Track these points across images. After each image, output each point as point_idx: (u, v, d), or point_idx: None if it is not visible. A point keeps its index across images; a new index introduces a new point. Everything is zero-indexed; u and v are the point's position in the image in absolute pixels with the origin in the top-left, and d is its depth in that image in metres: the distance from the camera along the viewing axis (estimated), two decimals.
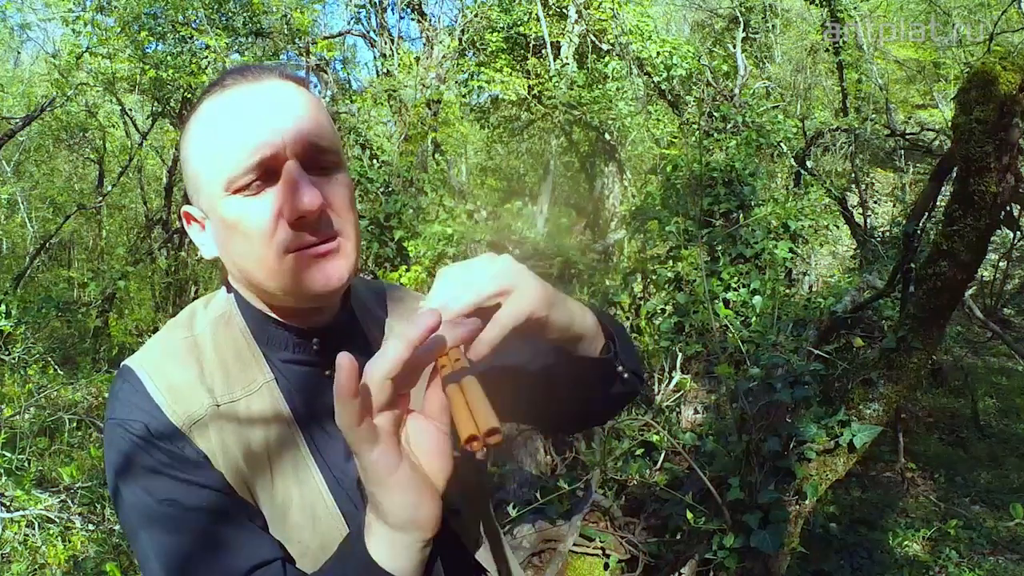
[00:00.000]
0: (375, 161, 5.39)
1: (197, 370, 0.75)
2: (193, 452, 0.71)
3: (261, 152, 0.68)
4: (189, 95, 6.64)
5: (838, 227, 6.30)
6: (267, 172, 0.69)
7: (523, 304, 0.66)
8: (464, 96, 9.37)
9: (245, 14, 6.61)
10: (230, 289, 0.80)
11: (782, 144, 5.97)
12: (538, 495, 2.80)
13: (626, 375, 0.81)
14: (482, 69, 8.91)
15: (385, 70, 7.96)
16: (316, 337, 0.78)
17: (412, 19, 9.03)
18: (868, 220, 6.02)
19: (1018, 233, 3.02)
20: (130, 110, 7.56)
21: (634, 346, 0.88)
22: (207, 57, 6.09)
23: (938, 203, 2.93)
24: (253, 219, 0.69)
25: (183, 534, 0.68)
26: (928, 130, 7.71)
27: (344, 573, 0.64)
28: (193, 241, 0.79)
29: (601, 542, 2.75)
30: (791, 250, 4.61)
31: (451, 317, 0.62)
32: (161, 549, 0.68)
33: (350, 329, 0.83)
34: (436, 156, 7.50)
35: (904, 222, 2.90)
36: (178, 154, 7.42)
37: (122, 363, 0.77)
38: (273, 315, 0.77)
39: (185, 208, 0.78)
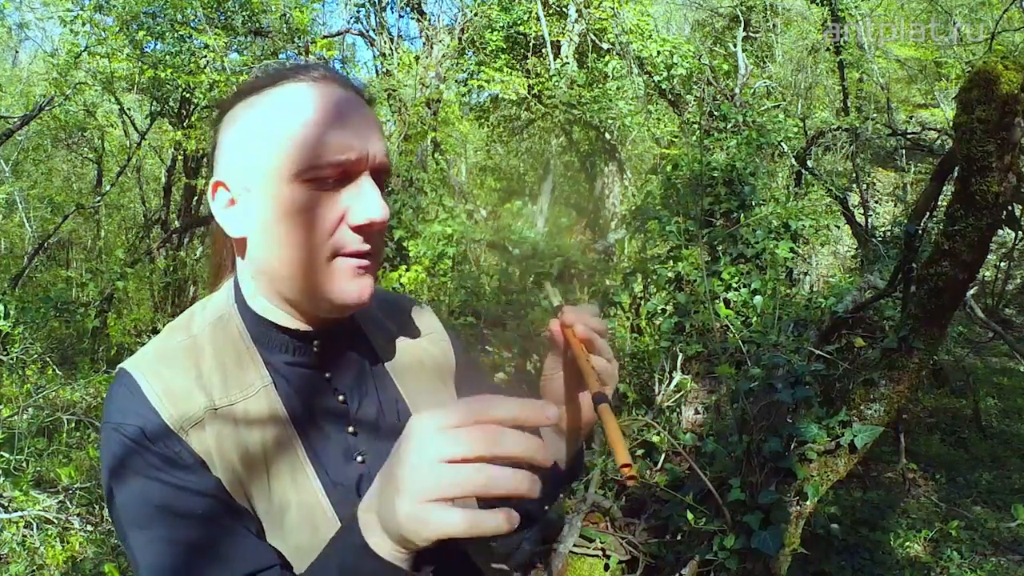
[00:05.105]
0: None
1: (195, 373, 0.74)
2: (189, 456, 0.70)
3: (349, 154, 0.70)
4: (187, 94, 6.63)
5: (839, 227, 6.29)
6: (344, 174, 0.71)
7: (612, 366, 0.79)
8: (464, 95, 9.36)
9: (244, 13, 6.60)
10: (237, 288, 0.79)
11: (783, 143, 5.96)
12: None
13: (547, 507, 0.90)
14: (482, 68, 8.91)
15: (384, 69, 7.95)
16: (317, 340, 0.78)
17: (412, 18, 9.02)
18: (869, 220, 6.00)
19: (1019, 233, 3.01)
20: (129, 109, 7.53)
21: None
22: (206, 56, 6.08)
23: (939, 203, 2.92)
24: (319, 212, 0.70)
25: (178, 539, 0.68)
26: (929, 130, 7.69)
27: (343, 561, 0.64)
28: (214, 214, 0.76)
29: (601, 543, 2.74)
30: (792, 250, 4.59)
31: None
32: (155, 553, 0.68)
33: (351, 334, 0.83)
34: (436, 156, 7.47)
35: (905, 222, 2.89)
36: (176, 152, 7.42)
37: (119, 366, 0.76)
38: (277, 312, 0.77)
39: (219, 178, 0.75)
